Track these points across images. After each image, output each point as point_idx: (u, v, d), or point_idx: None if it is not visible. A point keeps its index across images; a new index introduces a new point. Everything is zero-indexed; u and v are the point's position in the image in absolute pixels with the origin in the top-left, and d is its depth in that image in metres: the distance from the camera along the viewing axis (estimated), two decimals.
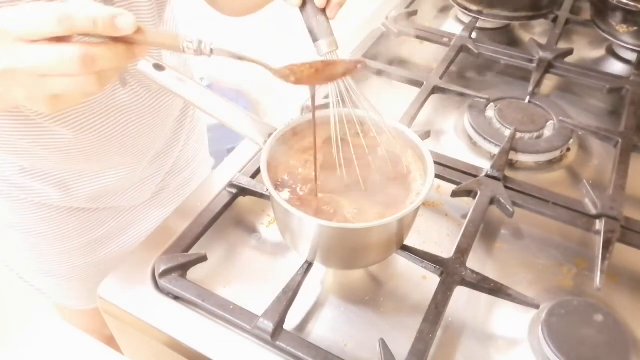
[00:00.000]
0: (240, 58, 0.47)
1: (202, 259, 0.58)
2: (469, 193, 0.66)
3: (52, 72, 0.38)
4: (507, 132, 0.75)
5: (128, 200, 0.81)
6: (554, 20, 1.01)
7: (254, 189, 0.64)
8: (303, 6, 0.54)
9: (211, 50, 0.43)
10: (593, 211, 0.63)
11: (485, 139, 0.75)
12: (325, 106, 0.56)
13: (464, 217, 0.63)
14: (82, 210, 0.78)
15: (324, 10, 0.54)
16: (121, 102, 0.67)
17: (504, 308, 0.57)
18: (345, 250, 0.54)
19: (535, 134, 0.75)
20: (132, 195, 0.81)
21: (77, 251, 0.81)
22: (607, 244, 0.59)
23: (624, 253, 0.61)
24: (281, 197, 0.51)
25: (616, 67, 0.95)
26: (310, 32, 0.54)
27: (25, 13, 0.37)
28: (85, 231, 0.80)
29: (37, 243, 0.78)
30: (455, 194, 0.66)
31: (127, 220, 0.84)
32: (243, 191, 0.65)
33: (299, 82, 0.50)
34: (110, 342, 0.61)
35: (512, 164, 0.74)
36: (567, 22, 1.00)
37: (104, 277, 0.57)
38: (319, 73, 0.50)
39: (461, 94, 0.81)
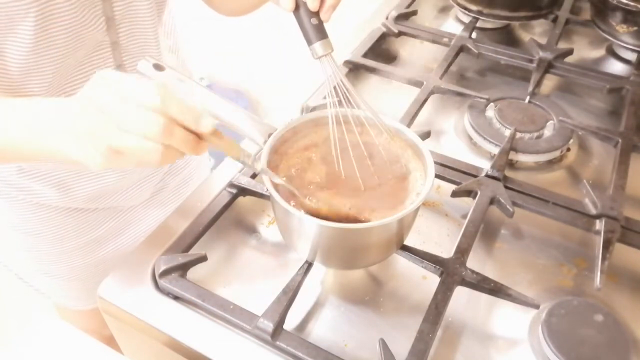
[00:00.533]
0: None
1: (202, 259, 0.58)
2: (469, 193, 0.66)
3: (134, 129, 0.41)
4: (507, 132, 0.75)
5: (127, 200, 0.81)
6: (554, 20, 1.01)
7: (254, 189, 0.64)
8: (296, 10, 0.54)
9: (261, 170, 0.51)
10: (593, 211, 0.63)
11: (485, 139, 0.75)
12: (324, 106, 0.56)
13: (464, 217, 0.63)
14: (81, 210, 0.78)
15: (317, 13, 0.54)
16: None
17: (504, 308, 0.57)
18: (345, 250, 0.54)
19: (535, 134, 0.75)
20: (131, 195, 0.81)
21: (76, 251, 0.81)
22: (607, 244, 0.59)
23: (624, 253, 0.61)
24: (281, 197, 0.51)
25: (616, 67, 0.95)
26: (305, 35, 0.54)
27: (135, 82, 0.42)
28: (84, 231, 0.80)
29: (36, 243, 0.78)
30: (455, 194, 0.66)
31: (126, 220, 0.84)
32: (243, 191, 0.65)
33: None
34: (110, 342, 0.61)
35: (512, 164, 0.74)
36: (567, 22, 1.00)
37: (103, 277, 0.57)
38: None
39: (461, 94, 0.81)
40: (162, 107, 0.41)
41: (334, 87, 0.55)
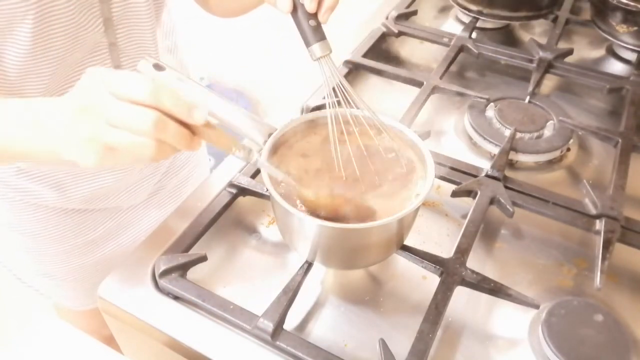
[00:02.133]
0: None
1: (202, 259, 0.58)
2: (469, 193, 0.66)
3: (124, 124, 0.41)
4: (507, 132, 0.75)
5: (125, 201, 0.81)
6: (554, 20, 1.01)
7: (254, 189, 0.64)
8: (294, 12, 0.53)
9: (259, 162, 0.50)
10: (593, 211, 0.63)
11: (485, 139, 0.75)
12: (324, 106, 0.56)
13: (464, 217, 0.63)
14: (79, 211, 0.78)
15: (315, 15, 0.53)
16: None
17: (504, 308, 0.57)
18: (345, 250, 0.54)
19: (535, 134, 0.75)
20: (129, 196, 0.81)
21: (74, 252, 0.81)
22: (607, 244, 0.59)
23: (624, 253, 0.61)
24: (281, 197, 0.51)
25: (616, 67, 0.95)
26: (303, 37, 0.54)
27: (125, 76, 0.41)
28: (82, 232, 0.80)
29: (34, 244, 0.78)
30: (455, 194, 0.66)
31: (124, 221, 0.84)
32: (243, 191, 0.65)
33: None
34: (110, 342, 0.61)
35: (512, 164, 0.74)
36: (567, 22, 1.00)
37: (102, 278, 0.57)
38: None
39: (461, 94, 0.81)
40: (153, 101, 0.41)
41: (333, 89, 0.55)
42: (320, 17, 0.54)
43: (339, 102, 0.55)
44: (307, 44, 0.54)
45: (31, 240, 0.78)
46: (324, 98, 0.63)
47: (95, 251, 0.83)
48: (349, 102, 0.55)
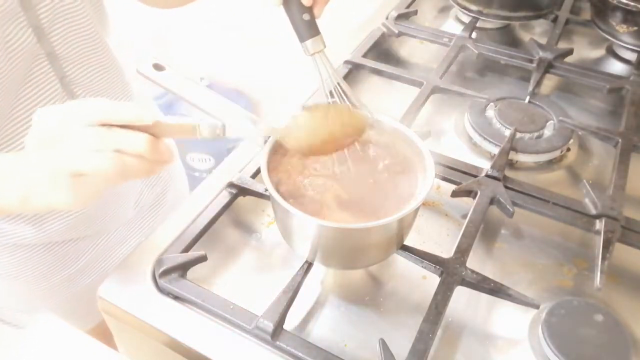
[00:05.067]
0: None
1: (202, 259, 0.58)
2: (469, 193, 0.66)
3: (82, 148, 0.41)
4: (507, 132, 0.75)
5: (104, 224, 0.77)
6: (554, 20, 1.01)
7: (254, 189, 0.64)
8: (287, 4, 0.52)
9: (224, 130, 0.47)
10: (593, 211, 0.63)
11: (485, 139, 0.75)
12: None
13: (464, 217, 0.63)
14: (60, 243, 0.74)
15: (310, 8, 0.52)
16: None
17: (504, 308, 0.57)
18: (345, 250, 0.54)
19: (535, 134, 0.75)
20: (108, 220, 0.77)
21: (60, 285, 0.77)
22: (607, 244, 0.59)
23: (624, 253, 0.61)
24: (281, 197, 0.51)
25: (616, 67, 0.95)
26: (297, 31, 0.53)
27: (70, 106, 0.43)
28: (66, 265, 0.76)
29: (17, 285, 0.74)
30: (455, 194, 0.66)
31: (107, 246, 0.80)
32: (243, 191, 0.65)
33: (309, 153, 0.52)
34: (110, 341, 0.61)
35: (512, 164, 0.74)
36: (567, 22, 1.00)
37: (92, 304, 0.57)
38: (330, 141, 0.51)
39: (461, 94, 0.81)
40: (101, 118, 0.42)
41: (330, 91, 0.54)
42: (316, 11, 0.52)
43: (333, 98, 0.55)
44: (301, 39, 0.53)
45: (14, 281, 0.73)
46: (332, 95, 0.62)
47: (81, 281, 0.79)
48: (344, 100, 0.54)
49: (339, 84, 0.54)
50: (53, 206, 0.45)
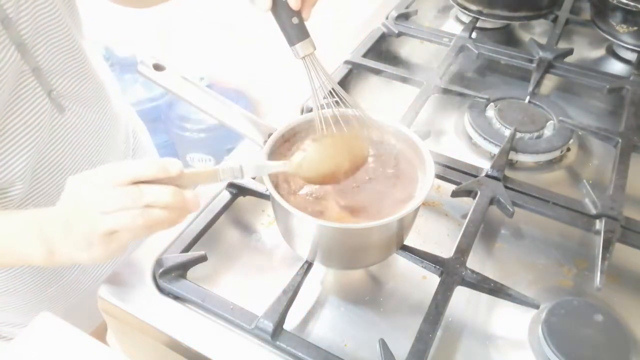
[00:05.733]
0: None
1: (202, 259, 0.58)
2: (469, 193, 0.66)
3: (111, 206, 0.44)
4: (507, 132, 0.75)
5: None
6: (554, 20, 1.01)
7: (254, 189, 0.64)
8: (275, 9, 0.51)
9: (242, 172, 0.50)
10: (593, 211, 0.63)
11: (485, 139, 0.75)
12: (324, 107, 0.55)
13: (464, 217, 0.63)
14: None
15: (298, 12, 0.51)
16: (68, 149, 0.66)
17: (504, 308, 0.57)
18: (345, 250, 0.54)
19: (535, 134, 0.75)
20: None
21: (57, 294, 0.76)
22: (607, 244, 0.59)
23: (624, 253, 0.61)
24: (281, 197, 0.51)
25: (616, 67, 0.95)
26: (286, 35, 0.52)
27: (101, 171, 0.46)
28: (61, 275, 0.75)
29: (14, 299, 0.73)
30: (455, 194, 0.66)
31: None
32: (243, 191, 0.65)
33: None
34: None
35: (512, 164, 0.74)
36: (567, 22, 1.00)
37: (90, 308, 0.57)
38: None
39: (461, 94, 0.81)
40: (128, 177, 0.44)
41: (330, 91, 0.53)
42: (304, 14, 0.52)
43: (331, 103, 0.54)
44: (291, 43, 0.52)
45: (10, 297, 0.72)
46: (324, 98, 0.62)
47: (76, 287, 0.78)
48: (338, 102, 0.54)
49: (333, 88, 0.53)
50: (79, 261, 0.48)
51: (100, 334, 0.59)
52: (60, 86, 0.64)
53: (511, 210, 0.63)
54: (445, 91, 0.81)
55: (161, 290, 0.56)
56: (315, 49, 0.53)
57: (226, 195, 0.64)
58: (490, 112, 0.79)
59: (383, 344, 0.50)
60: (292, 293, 0.53)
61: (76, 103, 0.67)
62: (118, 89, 0.81)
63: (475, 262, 0.61)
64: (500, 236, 0.65)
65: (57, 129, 0.65)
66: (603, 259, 0.58)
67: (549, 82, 0.90)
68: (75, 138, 0.67)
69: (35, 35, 0.58)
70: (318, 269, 0.59)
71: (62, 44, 0.62)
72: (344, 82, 0.84)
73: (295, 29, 0.52)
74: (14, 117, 0.59)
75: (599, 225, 0.62)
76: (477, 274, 0.55)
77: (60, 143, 0.66)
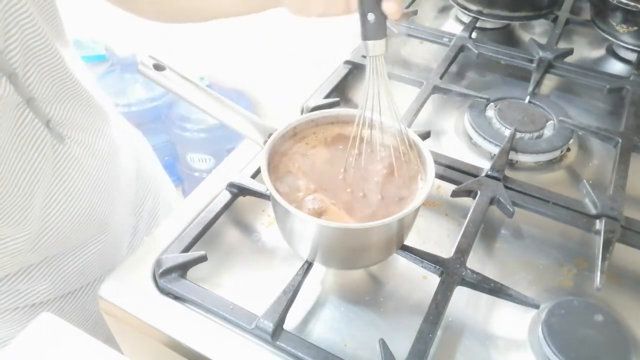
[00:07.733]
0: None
1: (202, 259, 0.58)
2: (469, 193, 0.66)
3: None
4: (507, 132, 0.75)
5: (107, 259, 0.75)
6: (554, 20, 1.01)
7: (254, 189, 0.64)
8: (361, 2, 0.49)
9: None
10: (593, 211, 0.63)
11: (485, 139, 0.75)
12: (324, 107, 0.56)
13: (464, 217, 0.63)
14: (76, 292, 0.73)
15: (381, 10, 0.49)
16: (68, 184, 0.63)
17: (504, 308, 0.57)
18: (345, 250, 0.54)
19: (535, 134, 0.75)
20: (113, 254, 0.76)
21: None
22: (607, 244, 0.59)
23: (624, 253, 0.61)
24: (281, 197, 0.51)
25: (616, 67, 0.95)
26: (362, 28, 0.50)
27: None
28: (86, 311, 0.75)
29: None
30: (455, 194, 0.66)
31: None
32: (243, 191, 0.65)
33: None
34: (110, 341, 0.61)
35: (512, 164, 0.74)
36: (567, 22, 1.00)
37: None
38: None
39: (461, 94, 0.81)
40: None
41: (374, 94, 0.53)
42: (386, 9, 0.50)
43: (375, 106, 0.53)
44: (364, 38, 0.50)
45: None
46: (325, 97, 0.62)
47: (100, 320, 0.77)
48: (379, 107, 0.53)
49: (383, 92, 0.52)
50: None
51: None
52: (57, 115, 0.59)
53: (511, 210, 0.63)
54: (445, 91, 0.82)
55: (161, 290, 0.56)
56: (385, 51, 0.51)
57: (226, 195, 0.64)
58: (490, 112, 0.79)
59: (383, 344, 0.50)
60: (292, 293, 0.53)
61: (75, 129, 0.63)
62: (115, 112, 0.78)
63: (475, 262, 0.61)
64: (500, 236, 0.65)
65: (60, 161, 0.61)
66: (603, 259, 0.58)
67: (549, 82, 0.91)
68: (78, 168, 0.64)
69: (26, 63, 0.54)
70: (318, 269, 0.59)
71: (53, 68, 0.58)
72: (344, 82, 0.84)
73: (375, 26, 0.50)
74: (15, 154, 0.55)
75: (599, 225, 0.62)
76: (477, 274, 0.55)
77: (65, 176, 0.62)
